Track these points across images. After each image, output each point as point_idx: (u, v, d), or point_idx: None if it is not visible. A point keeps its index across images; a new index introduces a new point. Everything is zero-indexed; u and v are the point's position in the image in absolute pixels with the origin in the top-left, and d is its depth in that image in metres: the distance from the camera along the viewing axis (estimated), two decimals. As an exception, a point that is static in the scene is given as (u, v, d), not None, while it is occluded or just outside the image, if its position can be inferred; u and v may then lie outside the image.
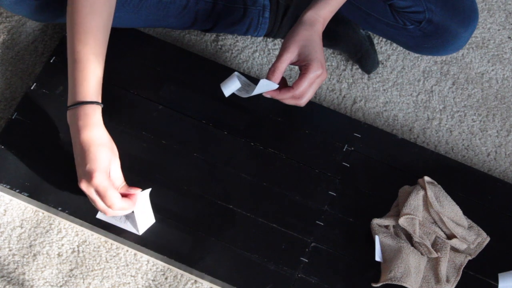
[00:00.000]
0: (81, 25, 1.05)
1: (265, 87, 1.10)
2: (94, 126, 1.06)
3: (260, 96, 1.32)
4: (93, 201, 1.07)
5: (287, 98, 1.11)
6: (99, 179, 1.04)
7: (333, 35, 1.36)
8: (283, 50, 1.09)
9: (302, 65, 1.10)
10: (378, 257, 1.16)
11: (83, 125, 1.06)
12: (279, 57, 1.10)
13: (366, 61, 1.37)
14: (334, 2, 1.12)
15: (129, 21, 1.26)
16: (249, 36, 1.42)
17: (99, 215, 1.16)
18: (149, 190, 1.12)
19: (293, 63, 1.11)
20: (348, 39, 1.36)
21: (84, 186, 1.06)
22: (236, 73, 1.14)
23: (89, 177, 1.04)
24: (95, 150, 1.05)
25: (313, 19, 1.11)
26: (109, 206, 1.06)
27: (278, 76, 1.09)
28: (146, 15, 1.25)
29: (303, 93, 1.11)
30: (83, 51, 1.06)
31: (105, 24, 1.08)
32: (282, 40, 1.42)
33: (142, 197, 1.12)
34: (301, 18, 1.11)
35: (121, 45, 1.31)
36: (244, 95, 1.14)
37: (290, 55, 1.09)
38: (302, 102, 1.12)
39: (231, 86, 1.13)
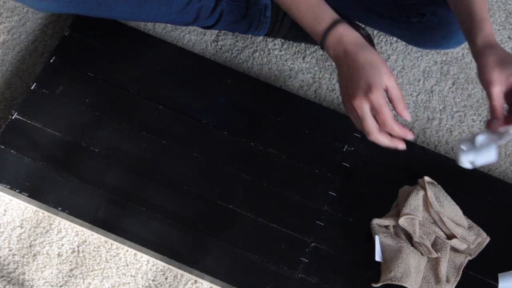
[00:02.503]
0: None
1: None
2: (363, 46, 1.01)
3: (259, 95, 1.32)
4: (363, 118, 0.99)
5: None
6: (377, 93, 0.97)
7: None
8: (488, 87, 0.98)
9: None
10: (378, 257, 1.16)
11: (351, 44, 1.01)
12: (490, 97, 0.97)
13: (366, 61, 1.37)
14: (486, 14, 1.02)
15: (132, 15, 1.26)
16: (249, 36, 1.42)
17: None
18: None
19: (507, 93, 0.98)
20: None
21: (357, 101, 0.97)
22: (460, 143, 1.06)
23: (365, 91, 0.98)
24: (372, 66, 0.99)
25: (487, 43, 1.01)
26: (381, 123, 0.99)
27: (501, 114, 0.97)
28: (149, 9, 1.25)
29: None
30: None
31: None
32: (283, 40, 1.42)
33: None
34: (477, 51, 1.00)
35: (121, 45, 1.31)
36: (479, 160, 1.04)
37: (498, 87, 0.97)
38: None
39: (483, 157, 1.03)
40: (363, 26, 1.38)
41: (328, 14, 1.04)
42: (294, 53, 1.41)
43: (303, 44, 1.42)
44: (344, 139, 1.27)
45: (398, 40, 1.43)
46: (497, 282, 1.17)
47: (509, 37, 1.49)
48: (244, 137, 1.25)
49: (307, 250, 1.18)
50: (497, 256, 1.20)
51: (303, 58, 1.41)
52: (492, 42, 1.00)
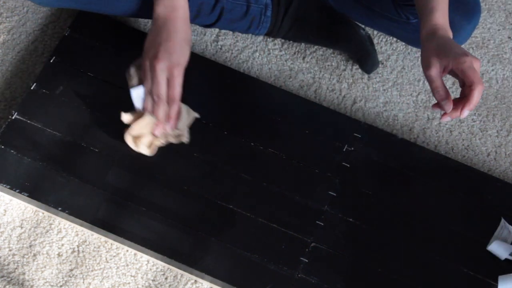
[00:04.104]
0: None
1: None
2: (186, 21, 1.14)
3: (259, 94, 1.32)
4: (157, 84, 1.12)
5: (474, 98, 1.03)
6: (179, 71, 1.12)
7: (334, 35, 1.36)
8: (426, 70, 1.05)
9: (453, 68, 1.04)
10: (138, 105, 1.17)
11: (180, 16, 1.13)
12: (429, 79, 1.05)
13: (366, 61, 1.37)
14: (437, 5, 1.09)
15: (131, 11, 1.26)
16: (249, 36, 1.42)
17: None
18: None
19: (446, 73, 1.05)
20: (348, 39, 1.36)
21: (162, 66, 1.11)
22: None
23: (174, 65, 1.12)
24: (186, 46, 1.14)
25: (430, 31, 1.07)
26: (171, 94, 1.12)
27: (444, 92, 1.04)
28: (149, 6, 1.25)
29: (472, 79, 1.03)
30: None
31: None
32: (283, 40, 1.42)
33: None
34: (422, 39, 1.08)
35: (121, 45, 1.31)
36: None
37: (434, 69, 1.04)
38: (481, 85, 1.03)
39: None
40: (363, 26, 1.38)
41: None
42: (294, 53, 1.42)
43: (303, 44, 1.42)
44: (344, 139, 1.27)
45: (398, 40, 1.43)
46: (497, 282, 1.17)
47: (509, 37, 1.49)
48: (244, 137, 1.25)
49: (307, 250, 1.18)
50: (497, 256, 1.20)
51: (303, 58, 1.41)
52: (435, 31, 1.07)
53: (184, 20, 1.14)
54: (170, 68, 1.12)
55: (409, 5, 1.26)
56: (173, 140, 1.19)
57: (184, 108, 1.19)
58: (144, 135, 1.16)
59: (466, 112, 1.03)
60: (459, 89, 1.41)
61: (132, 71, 1.18)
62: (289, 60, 1.41)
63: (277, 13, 1.34)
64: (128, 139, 1.17)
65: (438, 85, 1.04)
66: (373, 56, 1.37)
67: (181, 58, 1.14)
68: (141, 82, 1.16)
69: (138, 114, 1.16)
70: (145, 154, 1.18)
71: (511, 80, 1.45)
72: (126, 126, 1.17)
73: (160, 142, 1.18)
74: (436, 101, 1.06)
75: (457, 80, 1.42)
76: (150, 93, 1.14)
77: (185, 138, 1.19)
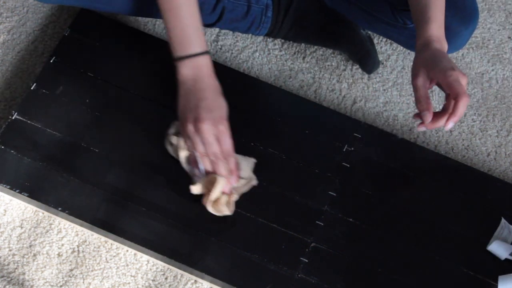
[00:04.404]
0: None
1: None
2: (213, 77, 1.14)
3: (259, 95, 1.32)
4: (209, 144, 1.11)
5: (459, 110, 1.04)
6: (225, 125, 1.12)
7: (334, 36, 1.36)
8: (413, 80, 1.07)
9: (440, 81, 1.05)
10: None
11: (206, 74, 1.13)
12: (414, 88, 1.07)
13: (367, 61, 1.37)
14: (434, 16, 1.10)
15: (132, 9, 1.26)
16: (249, 36, 1.42)
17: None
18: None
19: (433, 85, 1.08)
20: (349, 39, 1.36)
21: (207, 125, 1.10)
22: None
23: (217, 121, 1.11)
24: (221, 99, 1.14)
25: (425, 42, 1.09)
26: (224, 150, 1.12)
27: (425, 103, 1.05)
28: (150, 4, 1.25)
29: (458, 91, 1.04)
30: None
31: None
32: (283, 40, 1.42)
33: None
34: (416, 49, 1.10)
35: (121, 45, 1.31)
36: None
37: (421, 79, 1.06)
38: (466, 97, 1.05)
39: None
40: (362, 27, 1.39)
41: (203, 42, 1.12)
42: (294, 53, 1.42)
43: (303, 44, 1.42)
44: (344, 139, 1.27)
45: (398, 40, 1.43)
46: (497, 282, 1.17)
47: (509, 37, 1.49)
48: (244, 137, 1.25)
49: (307, 250, 1.18)
50: (497, 257, 1.20)
51: (303, 58, 1.41)
52: (429, 43, 1.08)
53: (211, 75, 1.13)
54: (215, 125, 1.11)
55: (407, 10, 1.26)
56: (245, 189, 1.19)
57: (240, 157, 1.19)
58: (220, 198, 1.15)
59: (451, 124, 1.05)
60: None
61: (175, 140, 1.18)
62: (289, 60, 1.41)
63: (277, 14, 1.34)
64: (211, 209, 1.15)
65: (422, 94, 1.06)
66: (374, 56, 1.37)
67: (222, 111, 1.13)
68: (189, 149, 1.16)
69: (204, 180, 1.15)
70: (228, 214, 1.16)
71: (511, 80, 1.45)
72: (200, 197, 1.16)
73: (235, 197, 1.17)
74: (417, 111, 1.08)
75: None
76: (206, 155, 1.13)
77: (254, 182, 1.20)
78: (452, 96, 1.04)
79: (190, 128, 1.11)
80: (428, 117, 1.05)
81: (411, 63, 1.42)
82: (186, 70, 1.12)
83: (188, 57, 1.11)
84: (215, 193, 1.13)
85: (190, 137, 1.12)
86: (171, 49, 1.12)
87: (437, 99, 1.40)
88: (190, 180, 1.19)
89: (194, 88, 1.12)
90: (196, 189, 1.15)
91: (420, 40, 1.10)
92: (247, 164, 1.19)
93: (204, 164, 1.14)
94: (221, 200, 1.15)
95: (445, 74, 1.04)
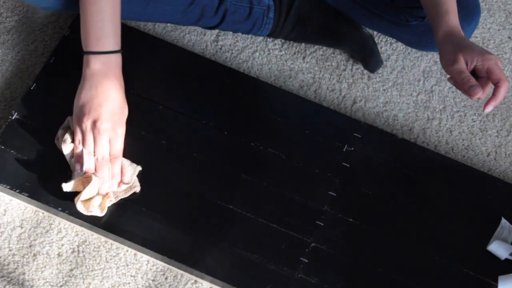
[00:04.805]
0: None
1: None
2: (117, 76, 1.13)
3: (259, 94, 1.32)
4: (101, 145, 1.11)
5: (500, 94, 1.06)
6: (122, 129, 1.12)
7: (337, 35, 1.36)
8: (453, 64, 1.07)
9: (479, 65, 1.07)
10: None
11: (115, 73, 1.12)
12: (458, 72, 1.06)
13: (369, 60, 1.37)
14: (450, 7, 1.11)
15: (135, 14, 1.26)
16: (249, 36, 1.42)
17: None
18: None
19: (471, 69, 1.08)
20: (352, 38, 1.36)
21: (106, 127, 1.10)
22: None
23: (116, 124, 1.11)
24: (125, 102, 1.13)
25: (448, 32, 1.10)
26: (113, 153, 1.12)
27: (472, 79, 1.05)
28: (152, 9, 1.26)
29: (500, 76, 1.06)
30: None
31: None
32: (283, 40, 1.42)
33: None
34: (439, 41, 1.11)
35: (120, 45, 1.30)
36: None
37: (462, 63, 1.07)
38: (507, 82, 1.06)
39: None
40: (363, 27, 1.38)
41: (119, 40, 1.12)
42: (294, 53, 1.42)
43: (303, 44, 1.42)
44: (344, 139, 1.27)
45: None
46: (497, 282, 1.17)
47: (509, 37, 1.49)
48: (244, 137, 1.25)
49: (307, 250, 1.18)
50: (497, 257, 1.20)
51: (303, 58, 1.41)
52: (452, 32, 1.09)
53: (120, 77, 1.13)
54: (114, 128, 1.12)
55: (409, 7, 1.26)
56: (124, 195, 1.17)
57: (127, 162, 1.18)
58: (93, 197, 1.14)
59: (490, 108, 1.06)
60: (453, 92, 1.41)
61: (61, 133, 1.17)
62: (289, 60, 1.41)
63: (279, 14, 1.34)
64: (80, 207, 1.14)
65: (468, 75, 1.06)
66: (376, 55, 1.37)
67: (123, 115, 1.13)
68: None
69: (79, 178, 1.13)
70: (98, 215, 1.15)
71: (511, 80, 1.45)
72: (72, 194, 1.15)
73: (111, 200, 1.16)
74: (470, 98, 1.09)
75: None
76: (91, 154, 1.13)
77: (136, 188, 1.18)
78: (493, 81, 1.05)
79: (87, 125, 1.11)
80: (479, 89, 1.05)
81: (411, 63, 1.43)
82: (96, 65, 1.10)
83: (101, 53, 1.10)
84: (87, 193, 1.12)
85: (83, 133, 1.12)
86: (84, 41, 1.11)
87: (437, 99, 1.40)
88: (190, 180, 1.19)
89: (101, 86, 1.10)
90: (67, 186, 1.13)
91: (441, 31, 1.10)
92: (132, 170, 1.17)
93: (88, 163, 1.13)
94: (93, 200, 1.13)
95: (485, 57, 1.05)
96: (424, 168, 1.26)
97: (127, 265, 1.22)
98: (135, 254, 1.22)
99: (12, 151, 1.20)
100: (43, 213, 1.23)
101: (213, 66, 1.31)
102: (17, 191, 1.18)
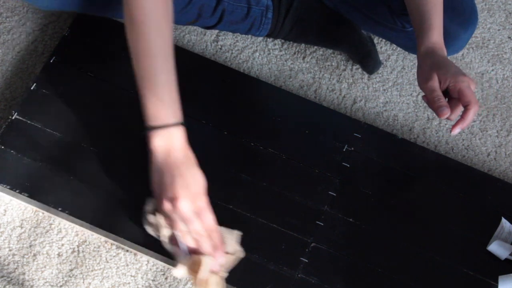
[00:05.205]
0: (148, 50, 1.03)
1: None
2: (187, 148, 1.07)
3: (259, 94, 1.32)
4: (190, 222, 1.05)
5: (469, 117, 1.06)
6: (203, 200, 1.05)
7: (335, 36, 1.36)
8: (427, 82, 1.07)
9: (451, 86, 1.06)
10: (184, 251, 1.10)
11: (180, 146, 1.06)
12: (430, 90, 1.07)
13: (368, 61, 1.37)
14: (435, 23, 1.11)
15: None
16: (249, 36, 1.42)
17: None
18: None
19: (443, 89, 1.08)
20: (350, 39, 1.36)
21: (185, 203, 1.03)
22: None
23: (195, 197, 1.04)
24: (198, 172, 1.06)
25: (429, 49, 1.10)
26: (207, 226, 1.06)
27: (443, 99, 1.06)
28: None
29: (470, 99, 1.05)
30: (153, 73, 1.04)
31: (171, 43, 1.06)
32: (283, 40, 1.42)
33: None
34: (419, 55, 1.11)
35: (121, 45, 1.30)
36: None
37: (435, 82, 1.07)
38: (477, 106, 1.06)
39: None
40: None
41: (178, 112, 1.06)
42: (294, 53, 1.42)
43: (303, 44, 1.42)
44: (344, 139, 1.27)
45: (398, 40, 1.44)
46: (497, 282, 1.17)
47: (509, 37, 1.49)
48: (244, 137, 1.25)
49: (307, 250, 1.18)
50: (497, 257, 1.20)
51: (303, 58, 1.41)
52: (433, 49, 1.09)
53: (185, 147, 1.06)
54: (194, 202, 1.04)
55: (405, 13, 1.27)
56: (232, 264, 1.13)
57: (224, 230, 1.13)
58: (209, 278, 1.08)
59: (457, 130, 1.06)
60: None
61: (153, 219, 1.11)
62: (289, 60, 1.41)
63: (278, 15, 1.34)
64: None
65: (440, 94, 1.06)
66: (375, 56, 1.37)
67: (199, 186, 1.06)
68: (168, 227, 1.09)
69: (188, 261, 1.08)
70: None
71: (511, 80, 1.45)
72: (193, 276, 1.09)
73: (223, 273, 1.11)
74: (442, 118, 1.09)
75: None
76: (187, 233, 1.07)
77: (241, 254, 1.14)
78: (463, 103, 1.05)
79: (168, 206, 1.04)
80: (448, 110, 1.05)
81: (411, 63, 1.43)
82: (158, 141, 1.04)
83: (161, 127, 1.04)
84: (202, 273, 1.06)
85: (168, 215, 1.06)
86: (144, 117, 1.06)
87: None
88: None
89: (168, 162, 1.04)
90: (179, 272, 1.07)
91: (423, 46, 1.11)
92: (231, 238, 1.13)
93: (187, 243, 1.07)
94: (210, 280, 1.08)
95: (458, 79, 1.05)
96: (424, 168, 1.26)
97: (127, 265, 1.22)
98: (135, 254, 1.22)
99: (12, 151, 1.20)
100: (43, 213, 1.23)
101: (213, 66, 1.31)
102: (17, 191, 1.18)
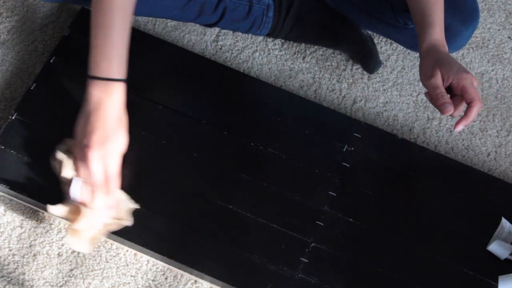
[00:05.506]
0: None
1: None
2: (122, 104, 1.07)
3: (259, 94, 1.32)
4: (92, 174, 1.05)
5: (472, 114, 1.06)
6: (115, 160, 1.06)
7: (336, 36, 1.36)
8: (429, 79, 1.07)
9: (454, 83, 1.06)
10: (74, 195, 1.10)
11: (114, 103, 1.06)
12: (433, 87, 1.06)
13: (368, 61, 1.38)
14: (436, 19, 1.11)
15: (135, 9, 1.25)
16: (249, 36, 1.42)
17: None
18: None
19: (446, 86, 1.08)
20: (350, 39, 1.36)
21: (94, 156, 1.04)
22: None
23: (108, 154, 1.05)
24: (122, 133, 1.07)
25: (431, 46, 1.10)
26: (108, 185, 1.07)
27: (446, 96, 1.05)
28: (151, 4, 1.26)
29: (473, 96, 1.06)
30: (109, 22, 1.05)
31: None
32: (283, 40, 1.42)
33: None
34: (421, 53, 1.11)
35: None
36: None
37: (438, 78, 1.07)
38: (480, 103, 1.07)
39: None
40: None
41: (123, 69, 1.06)
42: (294, 53, 1.42)
43: (303, 44, 1.42)
44: (344, 139, 1.27)
45: (398, 40, 1.44)
46: (497, 282, 1.17)
47: (509, 37, 1.49)
48: (244, 137, 1.25)
49: (307, 250, 1.18)
50: (497, 257, 1.20)
51: (303, 58, 1.41)
52: (435, 46, 1.09)
53: (119, 105, 1.06)
54: (105, 157, 1.05)
55: (407, 11, 1.26)
56: (114, 228, 1.13)
57: (124, 196, 1.14)
58: (85, 230, 1.09)
59: (461, 127, 1.06)
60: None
61: (61, 156, 1.12)
62: (289, 60, 1.41)
63: (279, 14, 1.34)
64: (70, 238, 1.09)
65: (443, 91, 1.06)
66: (375, 56, 1.38)
67: (117, 146, 1.06)
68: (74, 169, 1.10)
69: (71, 207, 1.10)
70: (85, 252, 1.10)
71: (511, 80, 1.45)
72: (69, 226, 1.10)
73: (102, 233, 1.12)
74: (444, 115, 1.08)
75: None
76: (88, 184, 1.08)
77: (128, 222, 1.14)
78: (466, 100, 1.05)
79: (79, 152, 1.06)
80: (451, 107, 1.05)
81: (411, 63, 1.43)
82: (95, 91, 1.04)
83: (102, 79, 1.04)
84: (79, 223, 1.07)
85: (76, 159, 1.08)
86: (89, 65, 1.06)
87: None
88: (190, 180, 1.19)
89: (97, 113, 1.04)
90: (55, 209, 1.09)
91: (424, 43, 1.10)
92: (126, 206, 1.14)
93: (82, 194, 1.08)
94: (85, 233, 1.09)
95: (461, 76, 1.05)
96: (424, 168, 1.26)
97: (127, 265, 1.22)
98: (135, 254, 1.22)
99: (12, 151, 1.20)
100: (43, 213, 1.23)
101: (213, 66, 1.31)
102: (17, 191, 1.18)
